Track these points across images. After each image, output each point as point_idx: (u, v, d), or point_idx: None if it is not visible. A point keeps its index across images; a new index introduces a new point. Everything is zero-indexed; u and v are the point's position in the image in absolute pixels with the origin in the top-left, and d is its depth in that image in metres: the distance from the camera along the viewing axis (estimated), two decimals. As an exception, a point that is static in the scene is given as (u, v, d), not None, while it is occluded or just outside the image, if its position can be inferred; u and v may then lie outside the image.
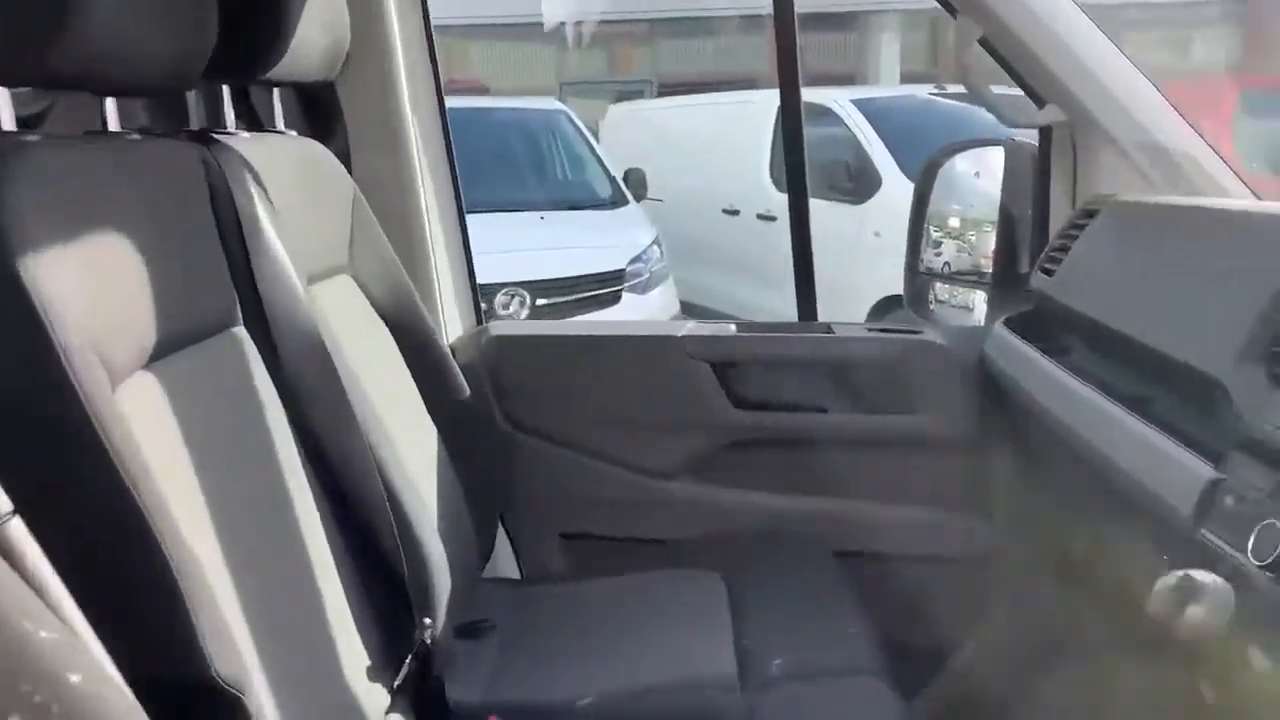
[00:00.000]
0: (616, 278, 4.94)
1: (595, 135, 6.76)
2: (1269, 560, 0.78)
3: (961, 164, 1.90)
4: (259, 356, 1.04)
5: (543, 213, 5.32)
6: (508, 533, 1.65)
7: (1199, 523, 0.91)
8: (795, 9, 1.73)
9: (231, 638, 0.82)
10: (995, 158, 1.86)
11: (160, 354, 0.89)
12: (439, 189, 1.66)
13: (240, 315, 1.04)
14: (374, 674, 1.05)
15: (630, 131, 7.95)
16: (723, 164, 6.82)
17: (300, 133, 1.41)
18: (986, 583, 1.60)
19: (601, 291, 4.85)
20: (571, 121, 6.26)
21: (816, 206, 6.49)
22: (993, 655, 1.61)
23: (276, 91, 1.34)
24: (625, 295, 4.94)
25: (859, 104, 6.16)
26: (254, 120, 1.37)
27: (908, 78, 11.01)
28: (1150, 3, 10.21)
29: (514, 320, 3.82)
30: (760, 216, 6.28)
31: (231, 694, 0.79)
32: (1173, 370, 1.05)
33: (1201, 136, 1.47)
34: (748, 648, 1.29)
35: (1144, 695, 1.48)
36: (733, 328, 1.66)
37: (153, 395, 0.87)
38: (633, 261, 5.07)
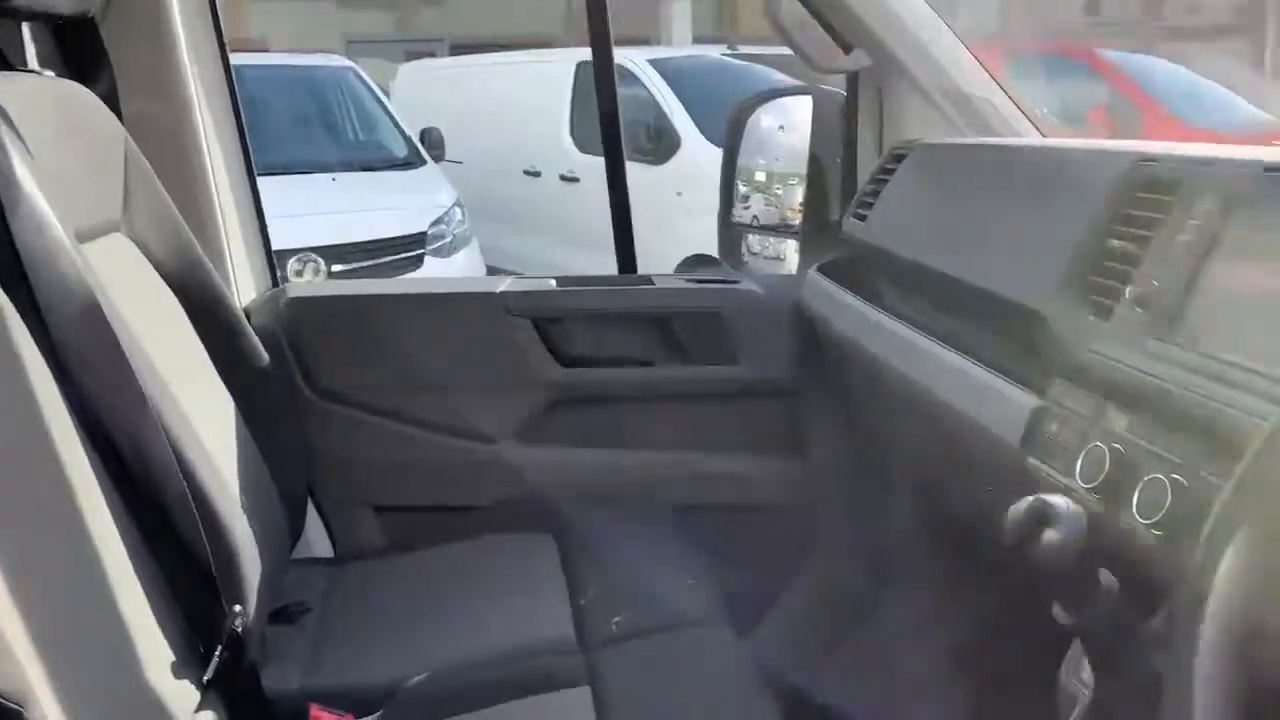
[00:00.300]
0: (418, 241, 4.78)
1: (386, 95, 6.49)
2: (1097, 482, 0.80)
3: (766, 118, 1.90)
4: (22, 324, 0.90)
5: (334, 174, 5.07)
6: (318, 509, 1.54)
7: (1027, 451, 0.93)
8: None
9: (9, 647, 0.71)
10: (798, 110, 1.87)
11: None
12: (224, 139, 1.52)
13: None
14: (181, 670, 0.95)
15: (423, 91, 7.68)
16: (522, 125, 6.71)
17: (57, 74, 1.25)
18: (813, 524, 1.63)
19: (402, 256, 4.67)
20: (361, 79, 5.98)
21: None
22: (824, 593, 1.64)
23: (26, 26, 1.17)
24: (428, 259, 4.79)
25: (656, 64, 6.19)
26: (2, 59, 1.19)
27: (698, 40, 11.15)
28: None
29: (313, 282, 3.61)
30: (563, 178, 6.23)
31: (11, 709, 0.68)
32: (992, 305, 1.08)
33: (996, 81, 1.52)
34: (584, 607, 1.25)
35: (979, 622, 1.54)
36: (553, 282, 1.61)
37: None
38: (434, 224, 4.92)
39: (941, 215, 1.29)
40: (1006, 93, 1.53)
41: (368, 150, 5.63)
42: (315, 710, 1.09)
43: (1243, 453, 0.70)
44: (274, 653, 1.13)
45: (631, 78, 6.15)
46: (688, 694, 1.08)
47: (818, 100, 1.71)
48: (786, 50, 1.63)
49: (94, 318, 0.95)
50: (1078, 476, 0.82)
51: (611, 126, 1.72)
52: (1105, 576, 0.63)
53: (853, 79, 1.59)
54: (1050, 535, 0.59)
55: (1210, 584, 0.46)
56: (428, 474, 1.56)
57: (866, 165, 1.61)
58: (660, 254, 5.11)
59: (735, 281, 1.65)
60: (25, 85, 1.10)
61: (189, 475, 1.00)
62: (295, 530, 1.44)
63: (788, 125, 1.93)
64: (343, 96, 5.85)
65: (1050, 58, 6.91)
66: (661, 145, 5.78)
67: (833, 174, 1.69)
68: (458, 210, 5.20)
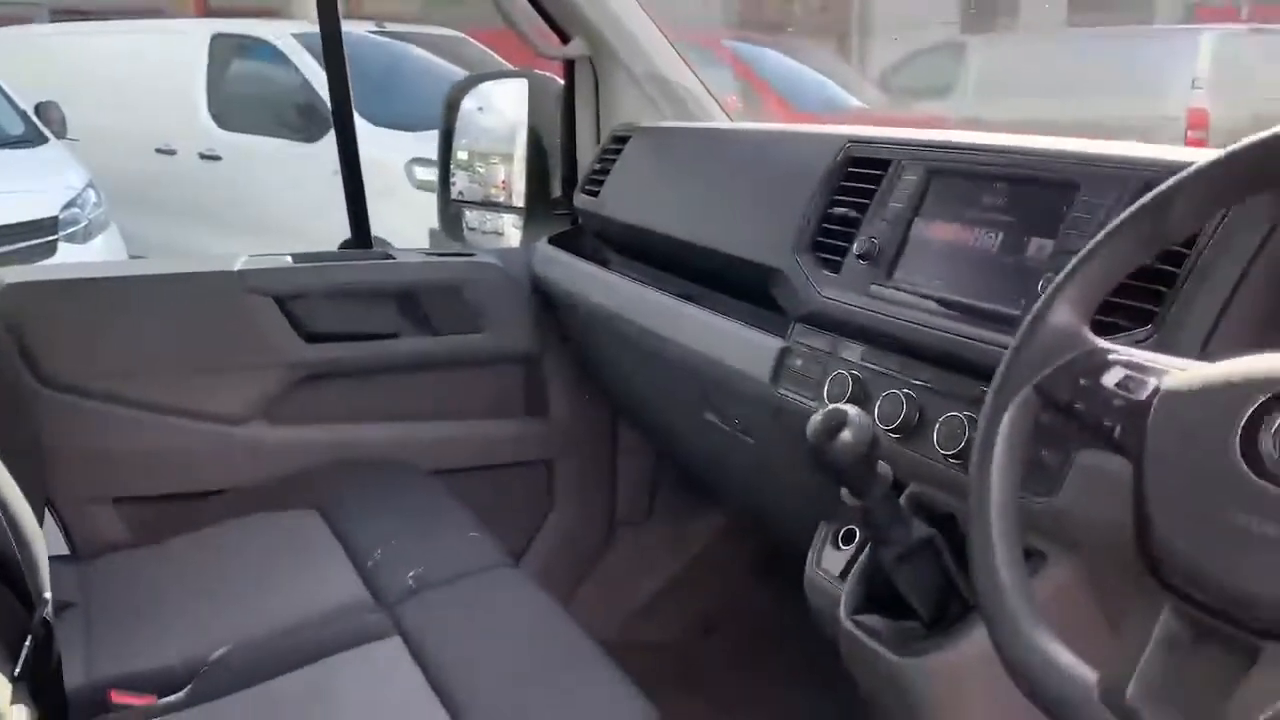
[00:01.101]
0: (49, 226, 4.33)
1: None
2: (846, 400, 1.01)
3: (468, 101, 2.00)
4: None
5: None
6: (51, 506, 1.45)
7: (776, 384, 1.13)
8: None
9: None
10: (499, 94, 1.98)
11: None
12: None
13: None
14: None
15: (24, 61, 6.86)
16: (149, 99, 6.20)
17: None
18: (559, 473, 1.77)
19: (33, 243, 4.21)
20: (-45, 47, 5.27)
21: (268, 146, 6.22)
22: (569, 538, 1.79)
23: None
24: (61, 245, 4.35)
25: (301, 39, 5.98)
26: None
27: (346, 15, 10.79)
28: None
29: (33, 265, 3.14)
30: (203, 156, 5.86)
31: None
32: (729, 265, 1.27)
33: (692, 70, 1.73)
34: (372, 569, 1.31)
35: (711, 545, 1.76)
36: (289, 258, 1.61)
37: None
38: (66, 207, 4.47)
39: (673, 190, 1.46)
40: (700, 81, 1.74)
41: (-25, 128, 4.99)
42: (116, 695, 1.08)
43: (956, 366, 0.93)
44: (65, 647, 1.09)
45: (274, 52, 5.92)
46: (498, 631, 1.17)
47: (534, 85, 1.84)
48: (434, 29, 1.72)
49: None
50: (825, 400, 1.03)
51: (342, 102, 1.74)
52: (881, 466, 0.82)
53: (570, 65, 1.73)
54: (845, 436, 0.77)
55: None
56: (174, 461, 1.52)
57: (585, 147, 1.77)
58: (320, 234, 4.99)
59: (473, 254, 1.74)
60: None
61: None
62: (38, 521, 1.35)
63: (486, 107, 2.04)
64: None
65: (689, 47, 7.50)
66: (313, 123, 5.61)
67: (552, 153, 1.82)
68: (91, 192, 4.76)
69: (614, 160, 1.60)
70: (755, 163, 1.32)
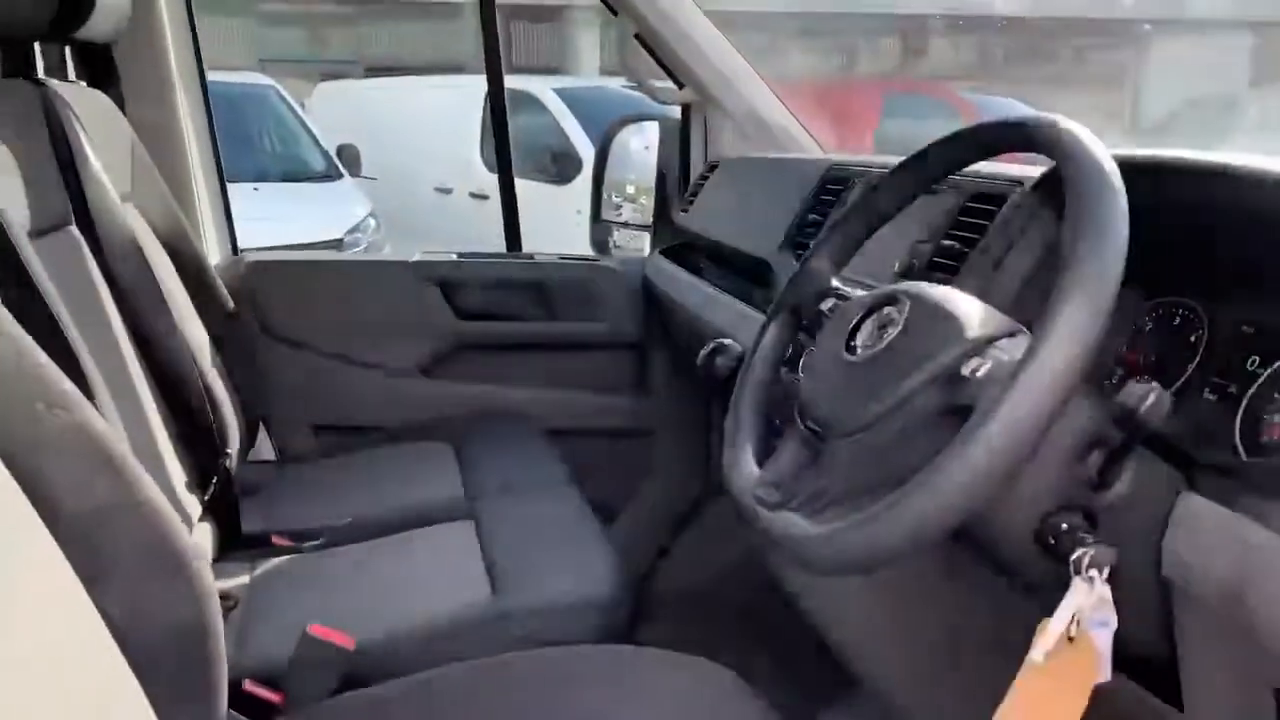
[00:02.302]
0: (335, 245, 5.19)
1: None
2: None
3: (635, 141, 2.41)
4: (89, 253, 1.35)
5: (256, 184, 5.45)
6: (266, 426, 1.98)
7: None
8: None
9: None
10: (641, 131, 2.39)
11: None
12: (200, 139, 1.97)
13: (74, 219, 1.35)
14: (189, 487, 1.40)
15: (339, 110, 8.07)
16: (434, 145, 7.14)
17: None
18: (652, 446, 2.13)
19: (321, 259, 5.08)
20: (282, 97, 6.37)
21: (525, 187, 6.98)
22: (665, 500, 2.14)
23: (68, 49, 1.62)
24: (344, 263, 5.19)
25: (560, 93, 6.71)
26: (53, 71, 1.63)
27: (607, 71, 11.75)
28: (826, 13, 11.55)
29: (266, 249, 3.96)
30: (473, 195, 6.68)
31: None
32: (751, 262, 1.60)
33: (788, 109, 2.06)
34: (473, 482, 1.72)
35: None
36: (455, 256, 2.09)
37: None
38: (349, 232, 5.34)
39: (732, 206, 1.81)
40: (797, 120, 2.07)
41: (288, 163, 6.01)
42: (276, 539, 1.55)
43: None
44: (245, 511, 1.58)
45: (538, 105, 6.67)
46: (546, 539, 1.53)
47: (662, 125, 2.23)
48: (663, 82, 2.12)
49: (135, 251, 1.40)
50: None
51: (502, 133, 2.21)
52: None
53: (685, 109, 2.11)
54: (721, 360, 1.10)
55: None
56: (355, 399, 2.02)
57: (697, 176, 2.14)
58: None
59: (597, 259, 2.15)
60: (77, 92, 1.54)
61: (199, 369, 1.45)
62: (251, 438, 1.88)
63: (651, 146, 2.45)
64: (264, 113, 6.23)
65: (917, 96, 7.70)
66: (564, 168, 6.29)
67: (673, 181, 2.21)
68: (371, 220, 5.63)
69: (704, 184, 1.97)
70: (778, 182, 1.64)
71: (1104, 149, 0.73)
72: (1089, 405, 0.75)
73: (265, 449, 1.97)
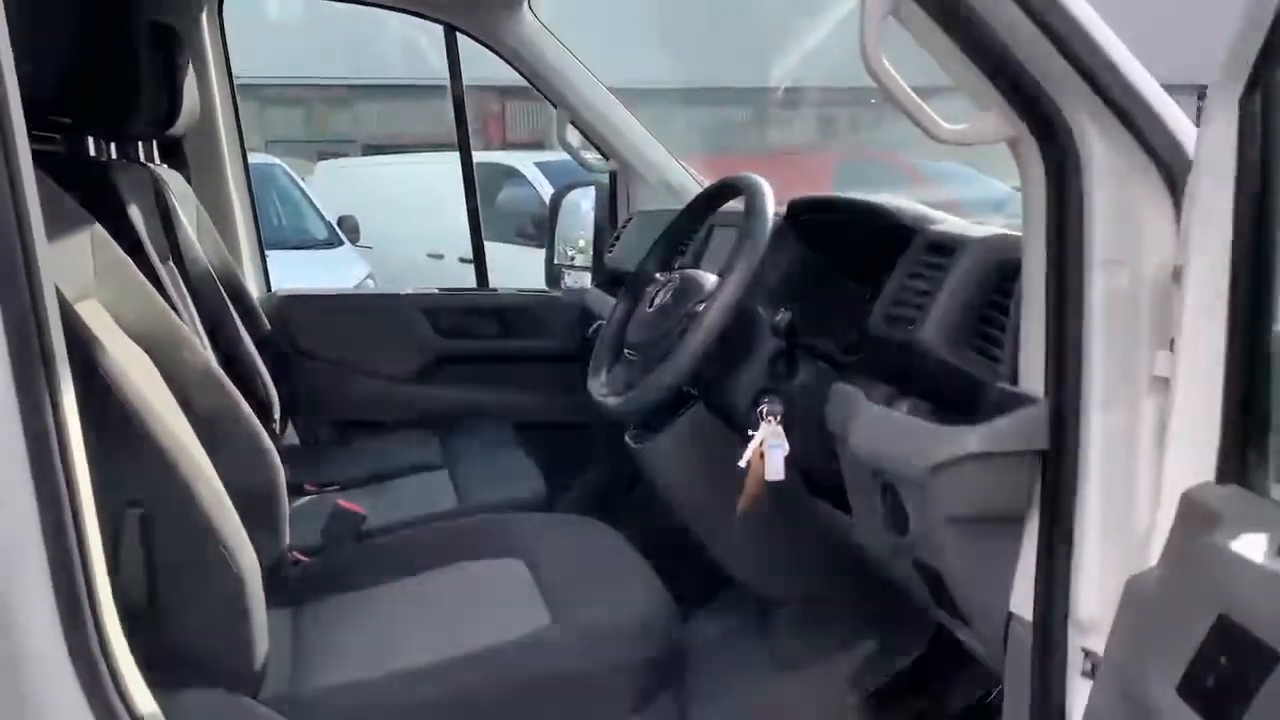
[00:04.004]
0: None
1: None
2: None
3: (585, 203, 3.06)
4: (180, 278, 1.99)
5: (266, 251, 6.10)
6: (293, 421, 2.59)
7: None
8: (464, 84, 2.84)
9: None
10: (586, 194, 3.02)
11: None
12: (243, 207, 2.62)
13: (171, 256, 1.98)
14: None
15: (339, 184, 8.79)
16: (426, 215, 7.80)
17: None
18: (590, 436, 2.74)
19: (324, 316, 5.73)
20: (287, 174, 7.09)
21: (509, 250, 7.64)
22: (599, 477, 2.74)
23: (156, 141, 2.27)
24: (345, 320, 5.85)
25: (541, 166, 7.42)
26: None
27: (584, 147, 12.52)
28: (811, 87, 12.40)
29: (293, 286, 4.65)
30: (462, 260, 7.31)
31: None
32: None
33: (689, 171, 2.71)
34: (451, 452, 2.33)
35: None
36: (436, 290, 2.73)
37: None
38: (351, 291, 6.01)
39: (641, 246, 2.45)
40: (695, 179, 2.72)
41: (294, 233, 6.69)
42: (309, 485, 2.15)
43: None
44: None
45: (521, 177, 7.38)
46: (499, 474, 2.14)
47: (598, 188, 2.88)
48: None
49: (215, 285, 2.03)
50: None
51: (471, 195, 2.86)
52: None
53: (613, 175, 2.76)
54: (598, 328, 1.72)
55: None
56: (361, 400, 2.64)
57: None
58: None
59: (546, 292, 2.79)
60: (167, 172, 2.19)
61: (256, 366, 2.08)
62: (282, 430, 2.49)
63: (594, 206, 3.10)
64: (270, 189, 6.93)
65: (871, 164, 8.46)
66: (543, 232, 6.94)
67: (606, 231, 2.85)
68: (370, 282, 6.29)
69: (624, 230, 2.61)
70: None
71: (768, 193, 1.37)
72: (768, 331, 1.38)
73: (291, 438, 2.58)
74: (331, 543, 1.67)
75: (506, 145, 12.28)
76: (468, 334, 2.71)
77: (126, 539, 1.10)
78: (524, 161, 7.49)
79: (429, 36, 2.84)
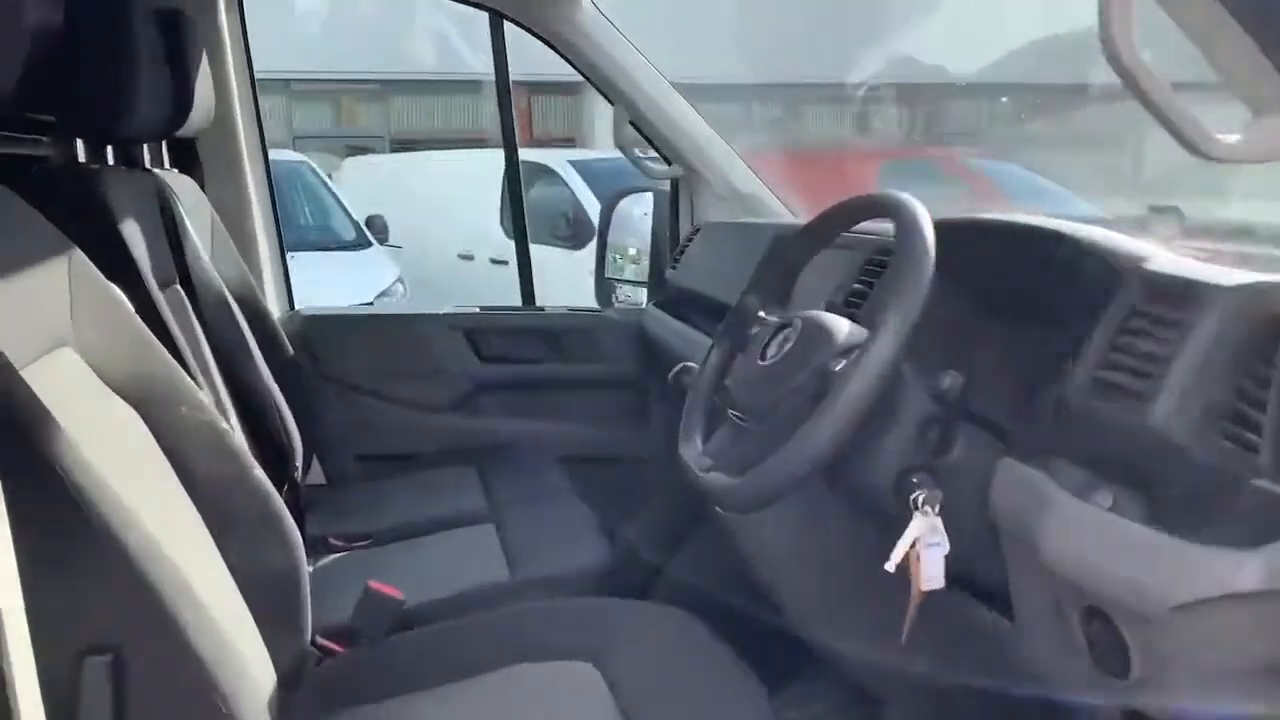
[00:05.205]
0: (369, 306, 5.60)
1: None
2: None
3: (636, 209, 2.77)
4: (190, 307, 1.71)
5: (292, 253, 5.85)
6: (318, 456, 2.31)
7: None
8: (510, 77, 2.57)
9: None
10: (640, 200, 2.74)
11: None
12: (264, 215, 2.34)
13: (179, 279, 1.71)
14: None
15: (367, 182, 8.56)
16: (457, 214, 7.57)
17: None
18: (649, 474, 2.45)
19: (352, 322, 5.48)
20: (314, 172, 6.84)
21: (542, 252, 7.36)
22: (659, 518, 2.45)
23: (164, 143, 2.00)
24: (373, 326, 5.59)
25: (576, 164, 7.15)
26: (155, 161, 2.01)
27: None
28: (842, 84, 12.07)
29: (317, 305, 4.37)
30: (493, 260, 7.08)
31: None
32: (724, 308, 1.93)
33: (762, 180, 2.41)
34: (496, 497, 2.05)
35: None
36: (478, 309, 2.44)
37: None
38: (379, 296, 5.74)
39: (710, 263, 2.16)
40: (769, 189, 2.42)
41: (320, 233, 6.44)
42: (332, 539, 1.87)
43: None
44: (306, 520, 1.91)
45: (555, 176, 7.11)
46: (554, 534, 1.85)
47: (657, 196, 2.59)
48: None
49: (228, 310, 1.75)
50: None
51: (517, 200, 2.58)
52: None
53: (674, 182, 2.47)
54: (685, 378, 1.43)
55: None
56: (393, 432, 2.36)
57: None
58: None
59: (599, 311, 2.50)
60: (175, 178, 1.91)
61: (274, 402, 1.80)
62: (306, 465, 2.21)
63: (649, 213, 2.81)
64: (297, 187, 6.69)
65: (914, 162, 8.12)
66: (578, 233, 6.70)
67: (665, 243, 2.56)
68: (399, 285, 6.03)
69: (689, 245, 2.32)
70: (751, 243, 1.98)
71: (925, 216, 1.07)
72: (921, 394, 1.08)
73: (317, 475, 2.31)
74: (364, 633, 1.39)
75: (533, 143, 12.06)
76: (512, 358, 2.43)
77: (86, 699, 0.81)
78: (559, 160, 7.21)
79: (460, 30, 2.57)
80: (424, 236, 7.61)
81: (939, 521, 1.07)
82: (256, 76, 2.33)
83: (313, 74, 12.36)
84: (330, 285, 5.60)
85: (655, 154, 2.42)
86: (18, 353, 0.96)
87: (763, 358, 1.16)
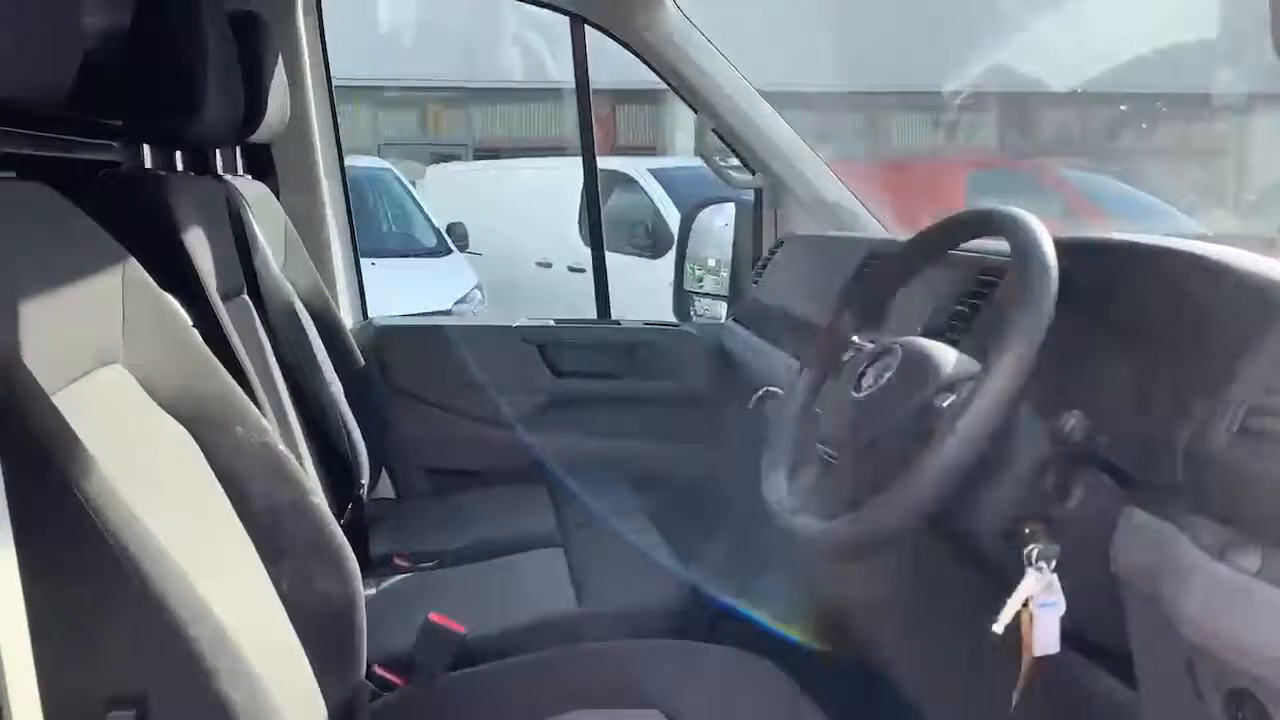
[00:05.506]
0: (443, 317, 5.59)
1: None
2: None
3: (717, 219, 2.68)
4: (258, 316, 1.66)
5: (374, 260, 5.89)
6: (387, 468, 2.26)
7: None
8: (590, 85, 2.49)
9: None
10: (721, 211, 2.64)
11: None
12: (339, 223, 2.30)
13: (246, 288, 1.66)
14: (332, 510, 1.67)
15: (450, 190, 8.62)
16: (536, 222, 7.57)
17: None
18: (725, 496, 2.34)
19: (429, 328, 5.48)
20: (398, 179, 6.89)
21: (620, 260, 7.33)
22: (734, 549, 2.34)
23: (239, 149, 1.96)
24: (451, 332, 5.59)
25: (655, 173, 7.08)
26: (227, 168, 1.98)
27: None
28: (928, 92, 11.80)
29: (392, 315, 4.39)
30: (571, 269, 7.05)
31: None
32: (808, 326, 1.83)
33: (851, 191, 2.29)
34: (563, 519, 1.97)
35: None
36: (552, 321, 2.37)
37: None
38: (457, 303, 5.74)
39: (794, 279, 2.05)
40: (859, 200, 2.30)
41: (402, 240, 6.48)
42: (397, 559, 1.81)
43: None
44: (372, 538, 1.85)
45: (634, 184, 7.05)
46: (624, 562, 1.76)
47: (739, 206, 2.49)
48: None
49: (296, 320, 1.70)
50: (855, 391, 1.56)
51: (595, 209, 2.50)
52: None
53: (758, 192, 2.37)
54: (768, 404, 1.32)
55: None
56: (463, 446, 2.30)
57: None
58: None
59: (677, 325, 2.40)
60: (249, 185, 1.88)
61: (341, 414, 1.74)
62: (375, 478, 2.16)
63: (729, 223, 2.71)
64: (381, 194, 6.74)
65: (1003, 173, 7.87)
66: (657, 242, 6.62)
67: (747, 256, 2.45)
68: (478, 292, 6.03)
69: (772, 259, 2.21)
70: (839, 258, 1.87)
71: (1045, 235, 0.95)
72: (1037, 435, 0.96)
73: (385, 488, 2.25)
74: (423, 666, 1.32)
75: (615, 151, 12.02)
76: (586, 373, 2.35)
77: None
78: (638, 168, 7.15)
79: (544, 38, 2.50)
80: (504, 244, 7.62)
81: (1055, 579, 0.95)
82: (344, 83, 2.30)
83: (401, 82, 12.53)
84: (409, 292, 5.63)
85: (738, 162, 2.33)
86: (60, 370, 0.90)
87: (857, 388, 1.06)
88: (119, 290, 1.06)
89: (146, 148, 1.55)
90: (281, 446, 1.17)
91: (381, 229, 6.64)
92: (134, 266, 1.09)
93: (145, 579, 0.76)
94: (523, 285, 7.34)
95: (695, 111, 2.25)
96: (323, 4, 2.22)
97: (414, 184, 7.71)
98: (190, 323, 1.20)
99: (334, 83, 2.31)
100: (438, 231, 6.56)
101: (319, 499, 1.18)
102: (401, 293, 5.57)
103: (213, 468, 1.11)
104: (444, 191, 8.57)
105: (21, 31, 0.89)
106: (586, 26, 2.26)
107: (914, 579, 1.13)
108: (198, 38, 1.42)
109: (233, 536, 1.09)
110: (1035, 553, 0.95)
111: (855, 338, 1.18)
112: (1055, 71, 10.48)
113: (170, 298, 1.15)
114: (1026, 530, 0.97)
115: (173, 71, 1.41)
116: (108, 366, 1.02)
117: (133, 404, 1.03)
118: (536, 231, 7.54)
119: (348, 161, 7.06)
